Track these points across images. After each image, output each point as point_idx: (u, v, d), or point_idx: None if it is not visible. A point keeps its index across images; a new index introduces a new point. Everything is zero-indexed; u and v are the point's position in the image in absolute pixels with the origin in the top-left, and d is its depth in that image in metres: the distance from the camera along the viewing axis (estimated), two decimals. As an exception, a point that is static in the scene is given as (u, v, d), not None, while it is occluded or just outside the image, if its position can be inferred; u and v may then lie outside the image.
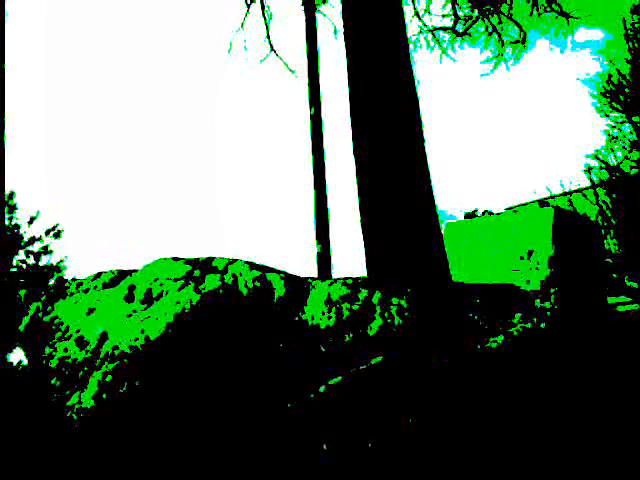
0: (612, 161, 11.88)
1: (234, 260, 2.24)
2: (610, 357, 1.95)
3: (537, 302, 4.62)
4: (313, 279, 2.21)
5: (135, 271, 2.17)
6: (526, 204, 12.77)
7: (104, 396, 1.86)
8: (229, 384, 1.83)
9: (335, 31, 8.22)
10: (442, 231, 4.63)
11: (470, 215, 5.68)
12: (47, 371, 2.05)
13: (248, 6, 7.87)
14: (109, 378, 1.87)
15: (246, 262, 2.21)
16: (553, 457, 1.58)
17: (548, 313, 4.41)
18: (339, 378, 1.72)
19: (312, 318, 1.91)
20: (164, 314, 1.90)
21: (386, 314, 1.95)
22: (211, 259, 2.17)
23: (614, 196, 11.45)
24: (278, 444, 1.65)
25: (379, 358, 1.74)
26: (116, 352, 1.90)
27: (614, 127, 12.22)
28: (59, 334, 2.10)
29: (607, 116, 12.24)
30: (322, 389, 1.71)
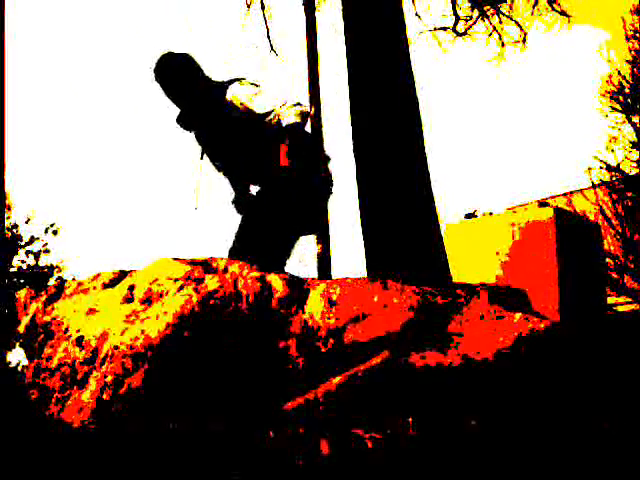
0: (612, 161, 11.87)
1: (234, 260, 2.24)
2: (610, 357, 1.95)
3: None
4: (313, 279, 2.21)
5: (135, 271, 2.18)
6: (526, 204, 12.76)
7: (104, 396, 1.86)
8: (229, 384, 1.84)
9: (335, 31, 8.22)
10: (442, 231, 4.62)
11: (470, 215, 5.68)
12: (47, 371, 2.06)
13: (248, 6, 7.88)
14: (109, 378, 1.88)
15: (246, 262, 2.21)
16: (553, 457, 1.58)
17: (548, 312, 4.41)
18: (339, 378, 1.72)
19: (312, 318, 1.91)
20: (164, 314, 1.90)
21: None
22: (211, 259, 2.18)
23: (614, 196, 11.45)
24: (278, 444, 1.66)
25: (379, 358, 1.74)
26: (116, 352, 1.90)
27: (614, 127, 12.21)
28: (59, 334, 2.10)
29: (607, 116, 12.22)
30: (322, 389, 1.71)
